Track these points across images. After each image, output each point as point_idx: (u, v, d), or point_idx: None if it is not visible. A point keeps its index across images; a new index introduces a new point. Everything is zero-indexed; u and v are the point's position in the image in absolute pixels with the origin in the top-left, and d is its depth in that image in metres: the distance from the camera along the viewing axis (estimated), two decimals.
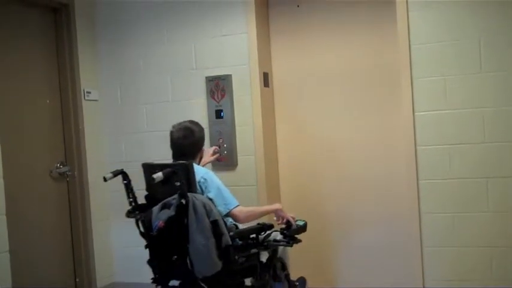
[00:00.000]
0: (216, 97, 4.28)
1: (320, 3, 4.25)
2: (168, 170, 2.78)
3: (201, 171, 3.13)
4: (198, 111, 4.34)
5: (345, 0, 4.16)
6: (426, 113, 3.76)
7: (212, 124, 4.26)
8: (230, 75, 4.25)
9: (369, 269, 4.17)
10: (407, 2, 3.75)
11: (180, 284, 3.04)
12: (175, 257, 2.87)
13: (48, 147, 4.23)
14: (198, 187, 3.04)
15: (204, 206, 2.84)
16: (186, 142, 3.17)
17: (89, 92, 4.48)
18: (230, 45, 4.25)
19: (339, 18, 4.21)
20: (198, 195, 2.92)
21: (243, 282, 3.03)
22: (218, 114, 4.27)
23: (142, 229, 3.01)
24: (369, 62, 4.14)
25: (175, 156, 3.21)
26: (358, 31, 4.16)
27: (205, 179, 3.10)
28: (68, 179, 4.33)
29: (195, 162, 3.23)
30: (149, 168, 3.08)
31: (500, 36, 3.61)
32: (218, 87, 4.27)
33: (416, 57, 3.76)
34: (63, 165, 4.29)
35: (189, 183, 2.90)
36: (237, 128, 4.26)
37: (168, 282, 3.03)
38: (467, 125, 3.68)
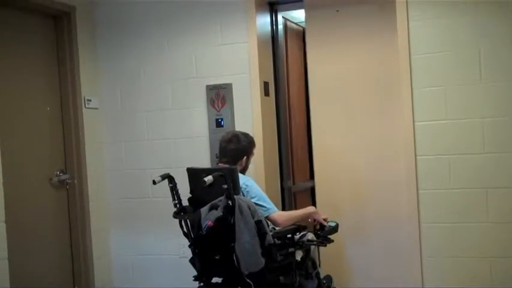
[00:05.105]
0: (216, 106, 4.29)
1: (315, 12, 4.27)
2: (217, 173, 2.92)
3: (243, 179, 3.34)
4: (198, 120, 4.35)
5: (341, 10, 4.19)
6: (426, 122, 3.77)
7: (212, 133, 4.26)
8: (230, 84, 4.26)
9: (368, 278, 4.15)
10: (407, 11, 3.77)
11: (222, 281, 3.19)
12: (218, 256, 3.06)
13: (48, 155, 4.22)
14: (240, 193, 3.23)
15: (249, 207, 3.03)
16: (230, 146, 3.43)
17: (90, 100, 4.47)
18: (231, 54, 4.26)
19: (336, 27, 4.22)
20: (243, 198, 3.13)
21: (279, 279, 3.19)
22: (218, 123, 4.27)
23: (186, 229, 3.20)
24: (369, 71, 4.16)
25: (220, 158, 3.47)
26: (357, 41, 4.18)
27: (246, 185, 3.34)
28: (67, 187, 4.32)
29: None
30: (193, 173, 3.30)
31: (500, 46, 3.62)
32: (218, 96, 4.28)
33: (417, 67, 3.78)
34: (63, 173, 4.29)
35: (234, 186, 3.06)
36: None
37: (211, 279, 3.20)
38: (467, 135, 3.68)
